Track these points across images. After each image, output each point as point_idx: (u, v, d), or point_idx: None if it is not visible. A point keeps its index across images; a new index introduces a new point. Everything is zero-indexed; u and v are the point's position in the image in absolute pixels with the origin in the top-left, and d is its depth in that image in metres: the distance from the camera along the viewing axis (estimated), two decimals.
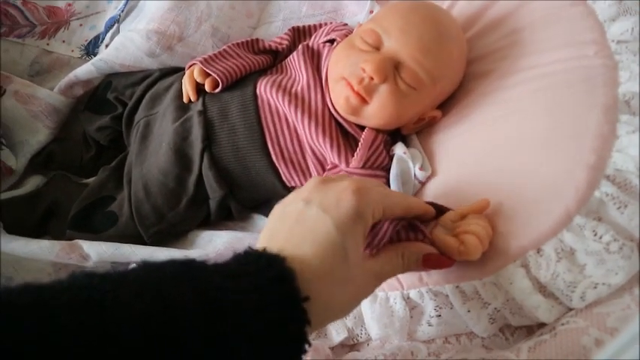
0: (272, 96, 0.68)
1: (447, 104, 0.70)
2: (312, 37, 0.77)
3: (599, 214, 0.51)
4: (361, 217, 0.42)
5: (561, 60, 0.60)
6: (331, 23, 0.79)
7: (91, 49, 0.87)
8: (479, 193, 0.59)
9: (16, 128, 0.80)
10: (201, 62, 0.70)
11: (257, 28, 0.84)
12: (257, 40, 0.77)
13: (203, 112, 0.69)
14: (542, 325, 0.52)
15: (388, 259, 0.46)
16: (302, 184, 0.69)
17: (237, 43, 0.75)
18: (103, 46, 0.85)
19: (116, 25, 0.84)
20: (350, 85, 0.62)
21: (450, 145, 0.66)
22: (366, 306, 0.59)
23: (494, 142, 0.61)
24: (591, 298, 0.49)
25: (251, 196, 0.73)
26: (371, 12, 0.80)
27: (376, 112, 0.63)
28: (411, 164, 0.65)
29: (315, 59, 0.71)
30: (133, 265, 0.40)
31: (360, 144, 0.65)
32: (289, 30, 0.79)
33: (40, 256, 0.66)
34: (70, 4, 0.87)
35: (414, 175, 0.64)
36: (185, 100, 0.72)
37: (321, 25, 0.80)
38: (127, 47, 0.77)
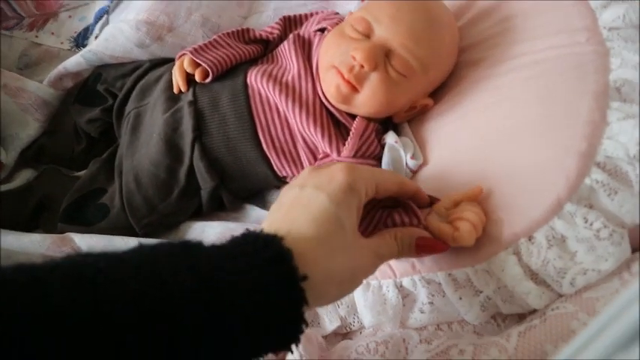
0: (263, 85, 0.67)
1: (439, 92, 0.69)
2: (303, 26, 0.77)
3: (589, 201, 0.51)
4: (354, 190, 0.43)
5: (553, 47, 0.60)
6: (322, 12, 0.78)
7: (81, 40, 0.86)
8: (471, 181, 0.59)
9: (5, 122, 0.79)
10: (191, 52, 0.70)
11: (248, 18, 0.84)
12: (247, 29, 0.76)
13: (193, 103, 0.69)
14: (533, 312, 0.52)
15: (384, 242, 0.46)
16: (293, 174, 0.69)
17: (228, 33, 0.74)
18: (92, 37, 0.84)
19: (105, 16, 0.84)
20: (340, 73, 0.62)
21: (442, 133, 0.66)
22: (358, 294, 0.59)
23: (485, 130, 0.61)
24: (581, 284, 0.49)
25: (243, 186, 0.72)
26: (362, 0, 0.79)
27: (367, 101, 0.63)
28: (402, 153, 0.65)
29: (305, 48, 0.71)
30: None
31: (351, 133, 0.65)
32: (280, 19, 0.78)
33: (32, 249, 0.65)
34: None
35: (406, 163, 0.64)
36: (175, 90, 0.71)
37: (312, 14, 0.79)
38: (117, 38, 0.76)
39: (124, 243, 0.67)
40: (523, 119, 0.58)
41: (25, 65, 0.86)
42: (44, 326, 0.29)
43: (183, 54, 0.71)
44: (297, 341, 0.38)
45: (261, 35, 0.76)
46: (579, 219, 0.51)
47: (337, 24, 0.71)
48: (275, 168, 0.69)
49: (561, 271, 0.50)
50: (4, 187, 0.77)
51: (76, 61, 0.78)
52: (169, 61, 0.77)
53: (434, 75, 0.66)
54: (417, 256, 0.51)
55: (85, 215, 0.71)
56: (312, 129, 0.65)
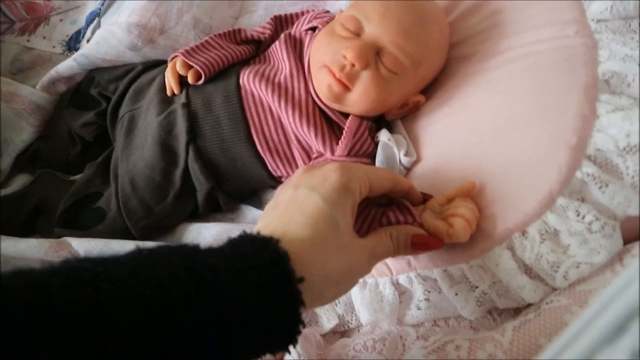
0: (255, 86, 0.67)
1: (431, 89, 0.70)
2: (294, 26, 0.77)
3: (581, 194, 0.51)
4: (348, 190, 0.43)
5: (542, 40, 0.60)
6: (313, 11, 0.79)
7: (73, 44, 0.86)
8: (464, 177, 0.59)
9: None
10: (183, 54, 0.70)
11: (239, 18, 0.84)
12: (239, 30, 0.76)
13: (187, 105, 0.69)
14: (528, 306, 0.53)
15: (380, 240, 0.47)
16: (288, 174, 0.69)
17: (220, 34, 0.74)
18: (84, 40, 0.84)
19: (97, 19, 0.83)
20: (332, 72, 0.62)
21: (435, 129, 0.66)
22: (355, 292, 0.59)
23: (477, 125, 0.61)
24: (574, 277, 0.50)
25: (238, 187, 0.73)
26: None
27: (359, 99, 0.63)
28: (395, 150, 0.65)
29: (297, 48, 0.71)
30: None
31: (344, 131, 0.65)
32: (271, 19, 0.78)
33: (29, 254, 0.66)
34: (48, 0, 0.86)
35: (399, 161, 0.65)
36: (168, 93, 0.71)
37: (303, 13, 0.79)
38: (109, 41, 0.76)
39: (121, 246, 0.67)
40: (514, 114, 0.58)
41: (18, 70, 0.86)
42: (44, 331, 0.30)
43: (176, 56, 0.71)
44: (294, 342, 0.38)
45: (252, 35, 0.76)
46: (571, 212, 0.51)
47: (328, 22, 0.71)
48: (270, 168, 0.69)
49: (554, 264, 0.50)
50: (0, 193, 0.77)
51: (68, 65, 0.78)
52: (162, 64, 0.77)
53: (425, 71, 0.66)
54: (413, 253, 0.51)
55: (82, 219, 0.71)
56: (305, 128, 0.65)
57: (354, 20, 0.63)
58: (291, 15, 0.80)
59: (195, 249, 0.37)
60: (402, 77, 0.63)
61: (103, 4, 0.83)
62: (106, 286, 0.32)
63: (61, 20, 0.87)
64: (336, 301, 0.62)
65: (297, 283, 0.37)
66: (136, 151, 0.71)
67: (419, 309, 0.57)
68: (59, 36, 0.87)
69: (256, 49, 0.77)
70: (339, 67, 0.62)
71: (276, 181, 0.72)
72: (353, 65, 0.61)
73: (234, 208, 0.75)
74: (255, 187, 0.74)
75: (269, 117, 0.67)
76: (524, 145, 0.56)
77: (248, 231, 0.41)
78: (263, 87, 0.67)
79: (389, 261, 0.57)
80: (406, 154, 0.64)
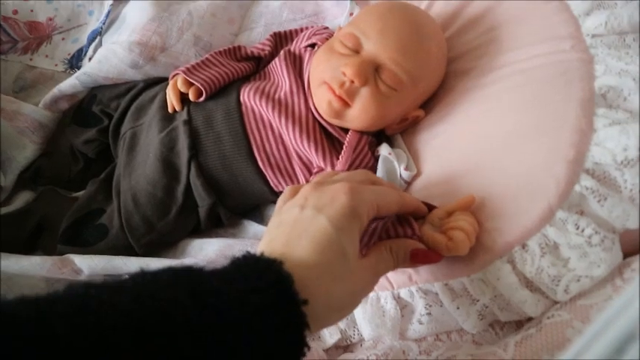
0: (256, 103, 0.68)
1: (430, 103, 0.70)
2: (294, 42, 0.78)
3: (580, 207, 0.52)
4: (356, 215, 0.42)
5: (539, 55, 0.61)
6: (312, 27, 0.80)
7: (75, 62, 0.87)
8: (463, 191, 0.60)
9: (2, 145, 0.80)
10: (184, 72, 0.71)
11: (239, 35, 0.85)
12: (239, 47, 0.77)
13: (188, 122, 0.70)
14: (530, 319, 0.53)
15: (381, 257, 0.46)
16: None
17: (220, 51, 0.75)
18: (86, 59, 0.85)
19: (98, 37, 0.84)
20: (332, 89, 0.63)
21: (434, 143, 0.67)
22: (357, 307, 0.59)
23: (476, 140, 0.62)
24: (575, 291, 0.50)
25: (240, 202, 0.73)
26: (351, 14, 0.80)
27: (359, 115, 0.64)
28: (396, 164, 0.65)
29: (297, 64, 0.72)
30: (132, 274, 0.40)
31: (344, 146, 0.66)
32: (271, 35, 0.79)
33: (32, 272, 0.66)
34: (51, 19, 0.87)
35: (400, 175, 0.65)
36: (170, 110, 0.72)
37: (302, 30, 0.80)
38: (110, 60, 0.77)
39: (124, 263, 0.67)
40: (512, 128, 0.58)
41: (21, 88, 0.87)
42: (49, 356, 0.30)
43: (177, 74, 0.72)
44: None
45: (252, 52, 0.77)
46: (571, 226, 0.51)
47: (327, 39, 0.72)
48: (271, 184, 0.70)
49: (555, 278, 0.51)
50: (3, 210, 0.77)
51: (70, 84, 0.79)
52: (163, 81, 0.78)
53: (423, 87, 0.67)
54: (412, 266, 0.52)
55: (84, 236, 0.71)
56: (305, 144, 0.66)
57: (353, 37, 0.64)
58: (291, 31, 0.81)
59: (199, 272, 0.37)
60: (400, 93, 0.64)
61: (104, 23, 0.84)
62: (110, 314, 0.32)
63: (63, 39, 0.88)
64: None
65: (302, 306, 0.37)
66: (138, 168, 0.72)
67: (421, 323, 0.57)
68: (61, 54, 0.88)
69: (256, 65, 0.78)
70: (338, 83, 0.63)
71: (277, 196, 0.71)
72: (352, 82, 0.62)
73: (235, 223, 0.75)
74: (257, 203, 0.75)
75: (270, 133, 0.68)
76: (523, 159, 0.56)
77: (252, 251, 0.40)
78: (263, 103, 0.67)
79: (390, 275, 0.57)
80: (406, 168, 0.65)
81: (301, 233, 0.41)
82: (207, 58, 0.73)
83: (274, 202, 0.74)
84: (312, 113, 0.67)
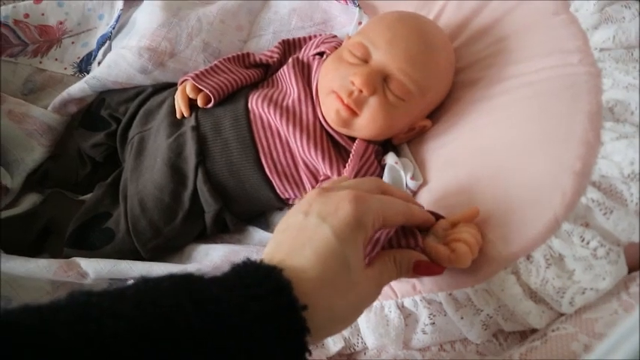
0: (264, 110, 0.69)
1: (437, 113, 0.71)
2: (302, 50, 0.78)
3: (585, 219, 0.52)
4: (361, 225, 0.41)
5: (546, 68, 0.61)
6: (320, 35, 0.80)
7: (84, 66, 0.88)
8: (469, 201, 0.60)
9: (10, 147, 0.80)
10: (192, 78, 0.71)
11: (247, 42, 0.85)
12: (248, 54, 0.78)
13: (196, 128, 0.70)
14: (534, 330, 0.53)
15: (385, 268, 0.46)
16: (296, 196, 0.70)
17: (228, 58, 0.76)
18: (95, 63, 0.86)
19: (108, 42, 0.85)
20: (340, 98, 0.64)
21: (441, 153, 0.67)
22: (361, 315, 0.59)
23: (483, 150, 0.62)
24: (580, 303, 0.50)
25: (246, 208, 0.73)
26: (359, 23, 0.81)
27: (366, 124, 0.64)
28: (402, 174, 0.66)
29: (305, 72, 0.72)
30: (131, 282, 0.40)
31: (351, 155, 0.66)
32: (279, 43, 0.80)
33: (38, 274, 0.66)
34: (61, 22, 0.87)
35: (406, 184, 0.65)
36: (178, 116, 0.72)
37: (310, 38, 0.81)
38: (119, 65, 0.77)
39: (130, 267, 0.68)
40: (519, 140, 0.59)
41: (30, 91, 0.87)
42: None
43: (185, 80, 0.72)
44: None
45: (261, 59, 0.78)
46: (576, 238, 0.52)
47: (335, 47, 0.73)
48: (278, 191, 0.70)
49: (560, 290, 0.51)
50: (10, 212, 0.78)
51: (79, 88, 0.79)
52: (171, 86, 0.78)
53: (431, 97, 0.67)
54: (414, 277, 0.52)
55: (91, 240, 0.72)
56: (312, 152, 0.66)
57: (362, 47, 0.64)
58: (299, 39, 0.81)
59: (199, 279, 0.37)
60: (408, 103, 0.64)
61: (114, 28, 0.85)
62: (111, 322, 0.32)
63: (72, 43, 0.89)
64: None
65: (302, 311, 0.37)
66: (146, 173, 0.72)
67: (424, 333, 0.57)
68: (71, 58, 0.89)
69: (264, 72, 0.79)
70: (347, 92, 0.63)
71: (283, 204, 0.73)
72: (361, 91, 0.62)
73: (241, 229, 0.75)
74: (263, 209, 0.75)
75: (277, 140, 0.68)
76: (529, 170, 0.56)
77: (256, 257, 0.40)
78: (271, 111, 0.68)
79: (394, 284, 0.57)
80: (413, 178, 0.65)
81: (305, 242, 0.41)
82: (215, 65, 0.74)
83: (280, 209, 0.75)
84: (320, 121, 0.68)
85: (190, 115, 0.72)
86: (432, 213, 0.55)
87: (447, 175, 0.64)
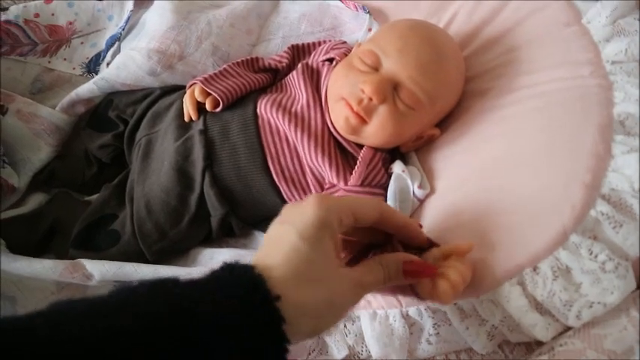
0: (272, 115, 0.69)
1: (446, 122, 0.71)
2: (312, 56, 0.78)
3: (594, 232, 0.52)
4: (325, 223, 0.43)
5: (557, 79, 0.61)
6: (330, 41, 0.80)
7: (92, 66, 0.88)
8: (477, 211, 0.60)
9: (17, 146, 0.81)
10: (201, 82, 0.71)
11: (256, 46, 0.85)
12: (257, 58, 0.78)
13: (204, 132, 0.70)
14: (541, 343, 0.53)
15: (369, 269, 0.46)
16: None
17: (237, 62, 0.76)
18: (104, 64, 0.86)
19: (117, 43, 0.85)
20: (349, 105, 0.63)
21: (449, 162, 0.67)
22: (366, 324, 0.59)
23: (492, 160, 0.62)
24: (587, 317, 0.50)
25: (252, 213, 0.73)
26: (369, 30, 0.81)
27: (375, 132, 0.64)
28: (409, 182, 0.65)
29: (314, 78, 0.72)
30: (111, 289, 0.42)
31: (358, 162, 0.66)
32: (288, 48, 0.80)
33: (44, 275, 0.66)
34: (71, 23, 0.87)
35: (413, 193, 0.65)
36: (186, 119, 0.72)
37: (320, 43, 0.81)
38: (128, 66, 0.77)
39: (135, 269, 0.67)
40: (529, 150, 0.59)
41: (38, 90, 0.87)
42: None
43: (194, 83, 0.72)
44: None
45: (270, 64, 0.77)
46: (584, 250, 0.51)
47: (345, 54, 0.73)
48: (285, 196, 0.70)
49: (567, 303, 0.51)
50: (16, 212, 0.78)
51: (88, 89, 0.79)
52: (180, 89, 0.78)
53: (441, 106, 0.67)
54: (405, 282, 0.50)
55: (96, 241, 0.72)
56: (319, 159, 0.66)
57: (373, 55, 0.64)
58: (308, 44, 0.81)
59: (175, 282, 0.38)
60: (418, 112, 0.64)
61: (123, 29, 0.85)
62: (90, 323, 0.33)
63: (81, 43, 0.89)
64: (347, 331, 0.62)
65: (275, 302, 0.38)
66: (152, 175, 0.72)
67: (429, 343, 0.57)
68: (79, 58, 0.89)
69: (273, 77, 0.78)
70: (356, 100, 0.63)
71: None
72: (370, 99, 0.62)
73: (247, 233, 0.75)
74: (269, 214, 0.75)
75: (285, 146, 0.68)
76: (538, 181, 0.56)
77: (229, 261, 0.42)
78: (280, 116, 0.68)
79: (399, 293, 0.57)
80: (420, 186, 0.65)
81: (275, 247, 0.43)
82: (224, 69, 0.74)
83: None
84: (328, 128, 0.68)
85: (198, 118, 0.72)
86: (429, 240, 0.54)
87: (454, 185, 0.64)
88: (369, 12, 0.81)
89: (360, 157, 0.67)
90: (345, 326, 0.63)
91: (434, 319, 0.56)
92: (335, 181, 0.66)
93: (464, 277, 0.50)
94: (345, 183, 0.66)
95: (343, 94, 0.64)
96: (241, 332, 0.36)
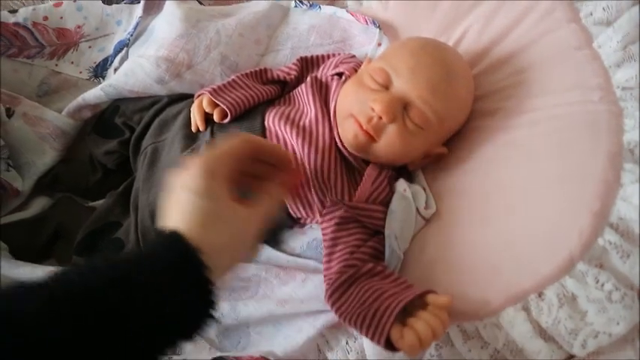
0: (280, 128, 0.68)
1: (454, 141, 0.70)
2: (320, 69, 0.78)
3: (601, 261, 0.52)
4: (213, 175, 0.49)
5: (567, 103, 0.61)
6: (339, 54, 0.80)
7: (100, 71, 0.87)
8: (483, 233, 0.60)
9: (22, 150, 0.80)
10: (210, 92, 0.71)
11: (265, 56, 0.85)
12: (265, 69, 0.77)
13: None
14: None
15: (260, 201, 0.53)
16: (307, 215, 0.69)
17: (246, 74, 0.75)
18: (111, 69, 0.85)
19: (125, 49, 0.85)
20: (358, 122, 0.63)
21: (456, 182, 0.67)
22: (367, 341, 0.59)
23: (500, 183, 0.62)
24: (592, 347, 0.50)
25: None
26: (379, 44, 0.80)
27: (383, 150, 0.64)
28: (412, 202, 0.65)
29: (323, 92, 0.72)
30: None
31: (363, 179, 0.66)
32: (297, 60, 0.79)
33: None
34: (79, 26, 0.87)
35: (419, 212, 0.65)
36: (193, 129, 0.72)
37: (329, 56, 0.80)
38: (137, 74, 0.77)
39: None
40: (538, 175, 0.59)
41: (45, 93, 0.87)
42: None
43: (202, 93, 0.72)
44: (213, 303, 0.45)
45: (278, 76, 0.77)
46: (590, 279, 0.51)
47: (354, 68, 0.73)
48: (289, 209, 0.69)
49: (573, 331, 0.51)
50: (19, 216, 0.78)
51: (95, 95, 0.79)
52: (187, 97, 0.78)
53: (449, 125, 0.67)
54: (291, 197, 0.60)
55: (100, 249, 0.71)
56: (325, 174, 0.66)
57: (383, 73, 0.64)
58: (317, 57, 0.81)
59: (114, 254, 0.47)
60: (427, 131, 0.64)
61: (131, 35, 0.85)
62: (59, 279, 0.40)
63: (89, 47, 0.88)
64: (349, 348, 0.62)
65: (197, 252, 0.44)
66: (158, 184, 0.72)
67: None
68: (87, 62, 0.88)
69: (281, 89, 0.78)
70: (366, 118, 0.63)
71: (293, 221, 0.73)
72: (380, 118, 0.62)
73: None
74: (272, 227, 0.75)
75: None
76: (547, 206, 0.56)
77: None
78: (288, 129, 0.67)
79: None
80: (427, 207, 0.65)
81: (179, 210, 0.48)
82: (233, 80, 0.74)
83: (290, 227, 0.75)
84: (336, 143, 0.67)
85: (206, 129, 0.71)
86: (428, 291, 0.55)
87: (462, 205, 0.64)
88: (379, 26, 0.81)
89: (365, 175, 0.66)
90: (347, 343, 0.63)
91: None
92: (339, 197, 0.66)
93: (434, 331, 0.51)
94: (350, 199, 0.66)
95: (353, 111, 0.64)
96: (175, 285, 0.43)
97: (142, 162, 0.75)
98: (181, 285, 0.43)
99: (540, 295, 0.53)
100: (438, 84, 0.63)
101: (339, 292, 0.59)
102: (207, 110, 0.71)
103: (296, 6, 0.88)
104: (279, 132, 0.69)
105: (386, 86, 0.64)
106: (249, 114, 0.71)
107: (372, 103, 0.62)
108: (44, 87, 0.87)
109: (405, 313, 0.53)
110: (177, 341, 0.44)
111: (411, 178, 0.70)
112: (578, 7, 0.65)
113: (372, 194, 0.66)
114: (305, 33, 0.85)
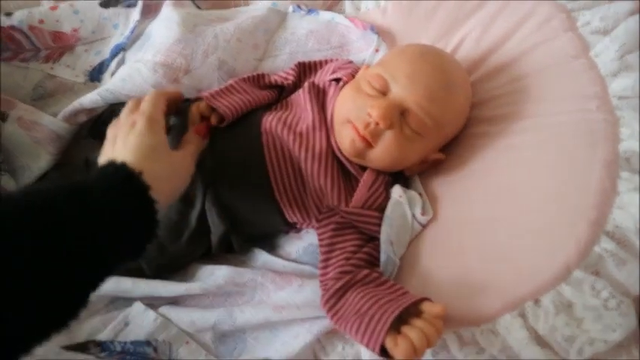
0: (277, 134, 0.68)
1: (451, 147, 0.71)
2: (318, 74, 0.78)
3: (597, 268, 0.52)
4: (153, 121, 0.60)
5: (563, 112, 0.61)
6: (337, 60, 0.80)
7: (96, 75, 0.87)
8: (480, 240, 0.60)
9: (17, 153, 0.80)
10: (207, 97, 0.71)
11: (263, 61, 0.85)
12: (263, 74, 0.77)
13: (208, 147, 0.70)
14: None
15: (184, 144, 0.64)
16: (304, 220, 0.70)
17: (244, 78, 0.75)
18: (108, 73, 0.85)
19: (122, 52, 0.84)
20: (356, 128, 0.63)
21: (453, 188, 0.67)
22: (364, 349, 0.59)
23: (496, 191, 0.62)
24: (588, 354, 0.50)
25: (252, 230, 0.73)
26: (376, 50, 0.81)
27: (380, 156, 0.64)
28: (407, 207, 0.65)
29: (320, 98, 0.72)
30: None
31: (360, 185, 0.66)
32: (295, 65, 0.79)
33: None
34: (75, 30, 0.87)
35: (415, 218, 0.65)
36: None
37: (326, 62, 0.80)
38: (134, 79, 0.77)
39: (133, 285, 0.67)
40: (534, 183, 0.59)
41: (40, 96, 0.86)
42: None
43: (199, 98, 0.72)
44: (156, 222, 0.53)
45: (276, 81, 0.77)
46: (587, 286, 0.52)
47: (352, 74, 0.73)
48: (286, 215, 0.69)
49: (569, 339, 0.51)
50: None
51: (92, 99, 0.78)
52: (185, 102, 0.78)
53: (447, 132, 0.67)
54: (202, 142, 0.67)
55: None
56: (322, 180, 0.66)
57: (381, 79, 0.64)
58: (315, 62, 0.81)
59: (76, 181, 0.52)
60: (424, 138, 0.64)
61: (128, 39, 0.85)
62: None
63: (86, 51, 0.88)
64: (345, 353, 0.62)
65: (139, 176, 0.53)
66: None
67: None
68: (83, 66, 0.88)
69: (279, 94, 0.78)
70: (363, 124, 0.63)
71: (290, 227, 0.73)
72: (377, 124, 0.62)
73: (246, 250, 0.75)
74: (269, 232, 0.75)
75: (289, 165, 0.68)
76: (544, 215, 0.57)
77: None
78: (285, 135, 0.67)
79: None
80: (423, 213, 0.65)
81: (124, 146, 0.58)
82: (230, 85, 0.73)
83: (286, 232, 0.75)
84: (332, 149, 0.68)
85: (203, 134, 0.71)
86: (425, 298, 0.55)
87: (458, 212, 0.65)
88: (377, 33, 0.81)
89: (361, 181, 0.66)
90: (343, 349, 0.63)
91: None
92: (335, 203, 0.66)
93: (429, 340, 0.51)
94: (346, 205, 0.66)
95: (350, 116, 0.64)
96: (124, 200, 0.51)
97: None
98: (129, 200, 0.51)
99: (537, 302, 0.53)
100: (436, 91, 0.63)
101: (335, 298, 0.60)
102: (204, 114, 0.71)
103: (294, 11, 0.88)
104: (276, 137, 0.69)
105: (383, 92, 0.64)
106: (246, 118, 0.71)
107: (369, 109, 0.62)
108: (39, 90, 0.87)
109: (400, 321, 0.53)
110: (125, 257, 0.52)
111: (407, 184, 0.70)
112: (575, 16, 0.65)
113: (368, 200, 0.66)
114: (303, 38, 0.85)
